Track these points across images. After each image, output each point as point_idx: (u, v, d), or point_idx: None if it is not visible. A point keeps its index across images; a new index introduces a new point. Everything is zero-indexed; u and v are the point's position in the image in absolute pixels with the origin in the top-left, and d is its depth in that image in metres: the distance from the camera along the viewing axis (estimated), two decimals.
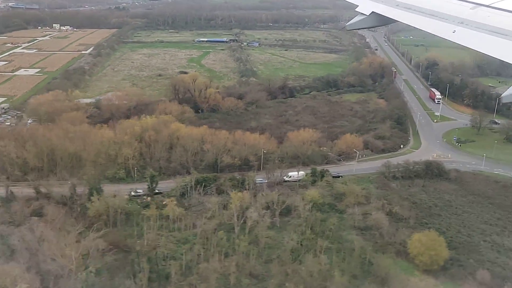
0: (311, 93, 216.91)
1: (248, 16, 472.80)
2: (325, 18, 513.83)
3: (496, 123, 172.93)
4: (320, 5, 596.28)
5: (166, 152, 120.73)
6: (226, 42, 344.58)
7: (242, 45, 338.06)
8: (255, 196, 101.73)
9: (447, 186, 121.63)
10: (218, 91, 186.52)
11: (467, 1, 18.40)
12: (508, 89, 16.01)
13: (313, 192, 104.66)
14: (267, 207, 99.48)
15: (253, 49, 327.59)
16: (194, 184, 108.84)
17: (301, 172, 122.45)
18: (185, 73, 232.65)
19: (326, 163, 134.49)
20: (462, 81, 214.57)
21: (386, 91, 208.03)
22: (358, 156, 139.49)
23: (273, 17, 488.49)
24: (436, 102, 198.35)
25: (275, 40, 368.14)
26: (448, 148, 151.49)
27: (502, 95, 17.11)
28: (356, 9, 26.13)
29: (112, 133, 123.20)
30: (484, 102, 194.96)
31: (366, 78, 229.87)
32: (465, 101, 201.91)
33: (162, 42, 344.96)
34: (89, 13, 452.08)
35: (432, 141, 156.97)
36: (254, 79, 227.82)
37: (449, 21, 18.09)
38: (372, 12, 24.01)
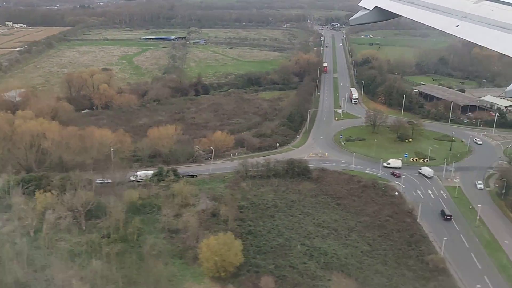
0: (229, 90, 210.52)
1: (210, 15, 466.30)
2: (292, 17, 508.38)
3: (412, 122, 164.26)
4: (296, 5, 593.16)
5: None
6: (173, 39, 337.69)
7: (187, 43, 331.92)
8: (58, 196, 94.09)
9: (306, 185, 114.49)
10: (114, 87, 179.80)
11: None
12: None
13: (132, 193, 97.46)
14: (74, 209, 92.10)
15: (197, 47, 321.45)
16: (16, 183, 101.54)
17: (150, 172, 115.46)
18: (108, 70, 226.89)
19: (192, 162, 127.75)
20: (381, 78, 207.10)
21: (298, 89, 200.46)
22: (231, 155, 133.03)
23: (238, 16, 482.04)
24: (353, 102, 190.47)
25: (226, 38, 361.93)
26: (333, 147, 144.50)
27: (506, 89, 17.76)
28: (359, 4, 25.81)
29: None
30: (398, 100, 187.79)
31: (291, 75, 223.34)
32: (379, 99, 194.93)
33: (106, 40, 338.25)
34: (45, 11, 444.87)
35: (320, 140, 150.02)
36: (175, 76, 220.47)
37: (452, 16, 17.80)
38: (375, 6, 23.50)
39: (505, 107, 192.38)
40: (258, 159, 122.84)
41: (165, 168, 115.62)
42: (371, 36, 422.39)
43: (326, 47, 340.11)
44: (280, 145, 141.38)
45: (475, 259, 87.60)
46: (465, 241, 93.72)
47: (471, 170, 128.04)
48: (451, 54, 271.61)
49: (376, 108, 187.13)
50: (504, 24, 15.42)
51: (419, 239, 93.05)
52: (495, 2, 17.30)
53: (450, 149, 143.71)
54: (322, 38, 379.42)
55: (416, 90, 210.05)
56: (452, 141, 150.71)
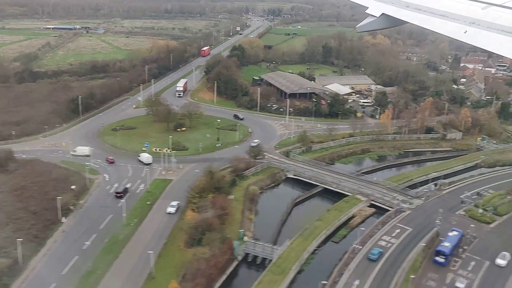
0: (66, 78, 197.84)
1: (141, 6, 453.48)
2: (234, 9, 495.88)
3: (238, 117, 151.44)
4: None
5: None
6: (73, 29, 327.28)
7: (85, 32, 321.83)
8: None
9: None
10: None
11: (478, 1, 17.79)
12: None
13: None
14: None
15: (90, 36, 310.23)
16: None
17: None
18: None
19: None
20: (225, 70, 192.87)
21: (121, 77, 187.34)
22: None
23: (173, 7, 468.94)
24: (177, 95, 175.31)
25: (134, 27, 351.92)
26: (90, 136, 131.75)
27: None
28: (366, 11, 24.84)
29: None
30: (231, 90, 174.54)
31: (141, 63, 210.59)
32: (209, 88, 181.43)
33: (3, 29, 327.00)
34: None
35: (88, 128, 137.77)
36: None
37: (460, 22, 17.13)
38: (383, 13, 22.79)
39: (342, 95, 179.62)
40: None
41: None
42: (299, 27, 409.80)
43: (240, 34, 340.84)
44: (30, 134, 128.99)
45: None
46: None
47: (207, 163, 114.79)
48: (336, 42, 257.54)
49: (205, 98, 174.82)
50: None
51: None
52: (503, 7, 16.93)
53: (218, 139, 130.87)
54: (238, 28, 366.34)
55: (257, 78, 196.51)
56: (235, 130, 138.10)
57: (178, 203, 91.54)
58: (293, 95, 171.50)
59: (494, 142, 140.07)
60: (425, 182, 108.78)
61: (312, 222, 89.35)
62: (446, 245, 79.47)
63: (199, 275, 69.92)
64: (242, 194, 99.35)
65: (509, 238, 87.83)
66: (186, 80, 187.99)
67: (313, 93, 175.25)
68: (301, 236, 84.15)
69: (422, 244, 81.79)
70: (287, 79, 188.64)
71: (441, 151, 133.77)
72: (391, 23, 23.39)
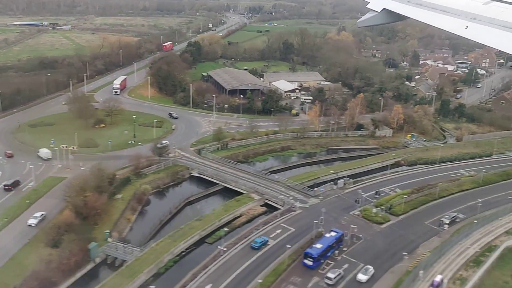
0: (10, 74, 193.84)
1: (117, 3, 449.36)
2: (214, 7, 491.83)
3: (172, 116, 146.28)
4: None
5: None
6: (41, 25, 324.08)
7: (50, 29, 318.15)
8: None
9: None
10: None
11: None
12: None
13: None
14: None
15: (55, 33, 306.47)
16: None
17: None
18: None
19: None
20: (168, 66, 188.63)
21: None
22: None
23: (153, 5, 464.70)
24: (114, 93, 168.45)
25: (102, 24, 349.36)
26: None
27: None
28: (368, 6, 25.20)
29: None
30: (169, 87, 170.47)
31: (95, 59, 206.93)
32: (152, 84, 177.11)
33: None
34: None
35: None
36: None
37: (461, 17, 17.51)
38: (384, 8, 23.05)
39: (285, 91, 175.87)
40: None
41: None
42: (275, 24, 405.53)
43: (213, 30, 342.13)
44: None
45: None
46: None
47: (112, 160, 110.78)
48: (298, 38, 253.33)
49: (144, 95, 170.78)
50: None
51: None
52: (505, 2, 17.04)
53: (134, 136, 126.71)
54: (210, 25, 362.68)
55: (205, 74, 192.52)
56: (158, 127, 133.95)
57: (42, 214, 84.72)
58: (233, 92, 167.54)
59: (424, 139, 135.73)
60: (333, 181, 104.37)
61: (190, 222, 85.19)
62: (318, 247, 75.25)
63: (38, 279, 65.88)
64: (131, 194, 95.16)
65: (395, 239, 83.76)
66: (126, 77, 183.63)
67: (257, 89, 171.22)
68: (170, 237, 79.94)
69: (296, 246, 77.68)
70: (232, 76, 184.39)
71: (366, 149, 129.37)
72: (392, 18, 23.61)
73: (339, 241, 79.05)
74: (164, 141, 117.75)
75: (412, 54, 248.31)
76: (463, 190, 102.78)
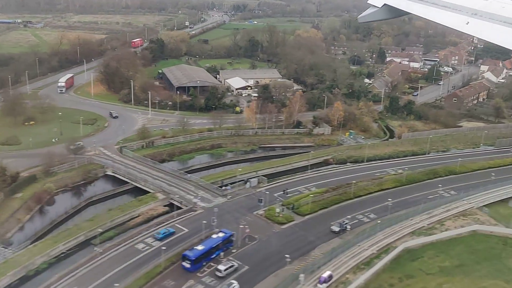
0: None
1: (98, 1, 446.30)
2: (198, 5, 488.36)
3: (112, 116, 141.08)
4: None
5: None
6: (14, 23, 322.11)
7: (22, 26, 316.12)
8: None
9: None
10: None
11: None
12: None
13: None
14: None
15: (25, 30, 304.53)
16: None
17: None
18: None
19: None
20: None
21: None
22: None
23: (135, 3, 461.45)
24: (59, 91, 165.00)
25: (77, 22, 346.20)
26: None
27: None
28: (368, 1, 24.80)
29: None
30: (117, 84, 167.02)
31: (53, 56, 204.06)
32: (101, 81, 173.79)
33: None
34: None
35: None
36: None
37: (462, 13, 17.40)
38: (384, 4, 22.73)
39: (236, 89, 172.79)
40: None
41: None
42: (255, 22, 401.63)
43: (190, 27, 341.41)
44: None
45: None
46: None
47: (26, 158, 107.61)
48: (266, 35, 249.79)
49: (91, 93, 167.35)
50: None
51: None
52: None
53: (61, 133, 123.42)
54: (187, 23, 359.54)
55: (160, 71, 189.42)
56: (91, 124, 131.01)
57: None
58: (182, 89, 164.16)
59: (362, 137, 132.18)
60: (251, 179, 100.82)
61: (80, 223, 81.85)
62: (199, 248, 71.85)
63: None
64: (32, 192, 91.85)
65: (292, 240, 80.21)
66: (72, 75, 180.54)
67: (207, 86, 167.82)
68: (52, 238, 76.65)
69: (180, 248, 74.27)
70: (184, 73, 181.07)
71: (301, 147, 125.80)
72: (393, 13, 23.31)
73: (226, 242, 75.64)
74: (78, 143, 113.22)
75: (378, 52, 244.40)
76: (383, 189, 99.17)
